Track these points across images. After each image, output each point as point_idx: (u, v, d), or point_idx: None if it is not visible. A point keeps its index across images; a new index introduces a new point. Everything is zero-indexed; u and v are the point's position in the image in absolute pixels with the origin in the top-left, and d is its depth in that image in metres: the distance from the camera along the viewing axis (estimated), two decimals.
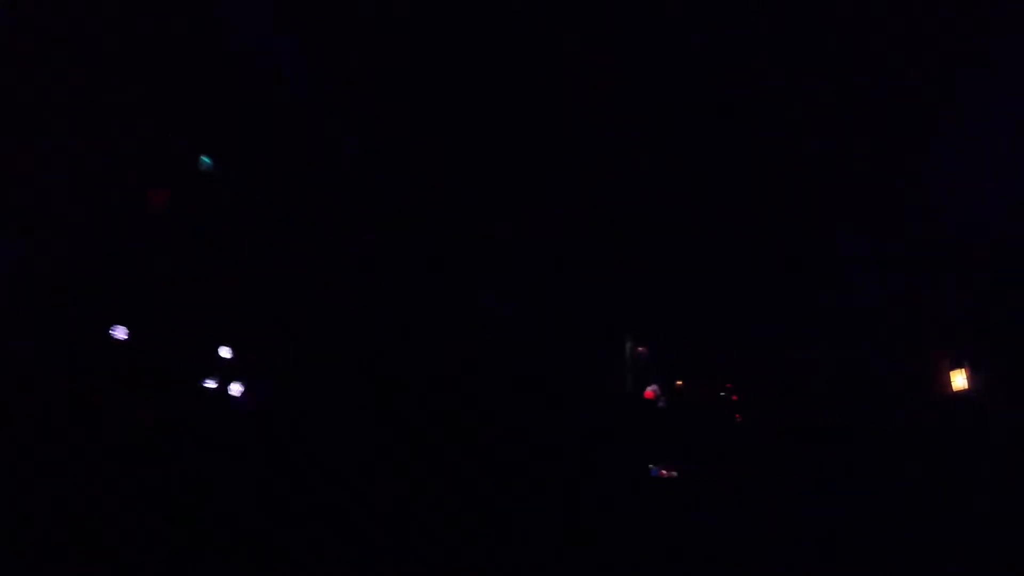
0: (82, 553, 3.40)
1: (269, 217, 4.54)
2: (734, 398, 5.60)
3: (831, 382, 5.32)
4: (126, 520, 3.56)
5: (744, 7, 4.44)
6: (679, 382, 5.69)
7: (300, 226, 4.62)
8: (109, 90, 4.16)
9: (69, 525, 3.44)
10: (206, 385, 4.21)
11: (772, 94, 4.70)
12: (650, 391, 5.58)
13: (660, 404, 5.58)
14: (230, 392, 4.27)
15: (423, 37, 4.53)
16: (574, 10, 4.54)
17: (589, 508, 4.34)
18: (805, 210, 5.17)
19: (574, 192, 5.16)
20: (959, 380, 5.13)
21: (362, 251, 4.82)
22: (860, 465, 4.81)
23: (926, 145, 4.75)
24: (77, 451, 3.62)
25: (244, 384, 4.29)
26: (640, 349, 5.66)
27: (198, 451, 3.88)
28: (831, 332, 5.39)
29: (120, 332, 3.98)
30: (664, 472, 5.13)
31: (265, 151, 4.54)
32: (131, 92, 4.23)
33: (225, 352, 4.30)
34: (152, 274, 4.16)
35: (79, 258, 4.00)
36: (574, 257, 5.26)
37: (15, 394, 3.62)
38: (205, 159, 4.21)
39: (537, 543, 4.08)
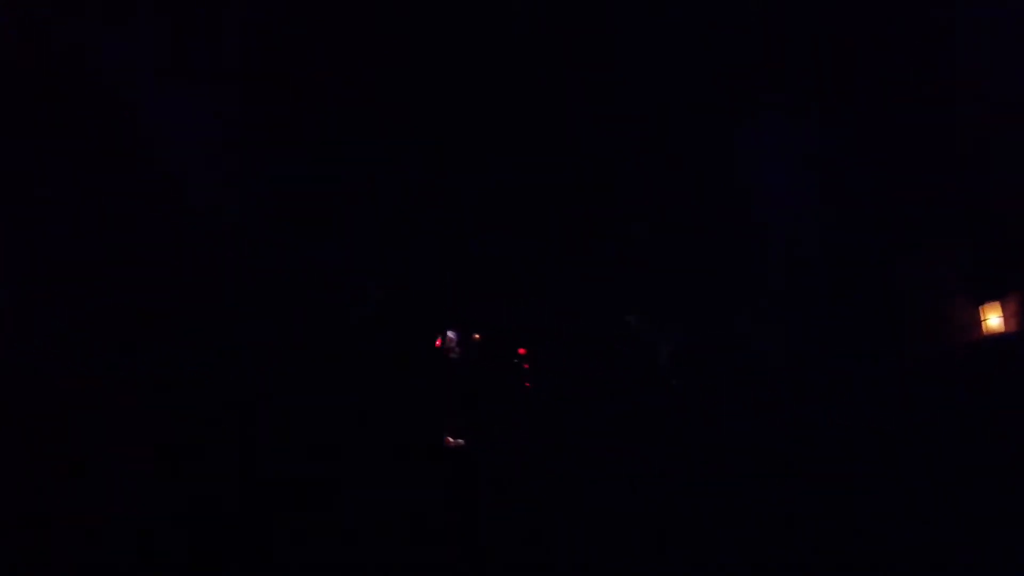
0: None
1: (266, 216, 4.54)
2: (525, 366, 4.98)
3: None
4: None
5: (744, 7, 4.46)
6: (476, 335, 4.94)
7: (299, 225, 4.62)
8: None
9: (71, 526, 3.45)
10: None
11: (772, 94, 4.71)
12: (441, 340, 4.85)
13: (452, 356, 4.83)
14: None
15: (422, 36, 4.54)
16: (574, 10, 4.56)
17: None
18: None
19: (574, 191, 5.15)
20: (993, 320, 3.74)
21: (361, 250, 4.82)
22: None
23: (927, 149, 4.72)
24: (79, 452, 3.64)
25: None
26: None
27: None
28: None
29: None
30: (450, 440, 4.59)
31: (263, 150, 4.55)
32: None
33: None
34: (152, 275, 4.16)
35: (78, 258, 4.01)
36: (572, 256, 5.22)
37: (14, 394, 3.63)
38: None
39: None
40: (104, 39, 4.15)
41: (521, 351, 4.99)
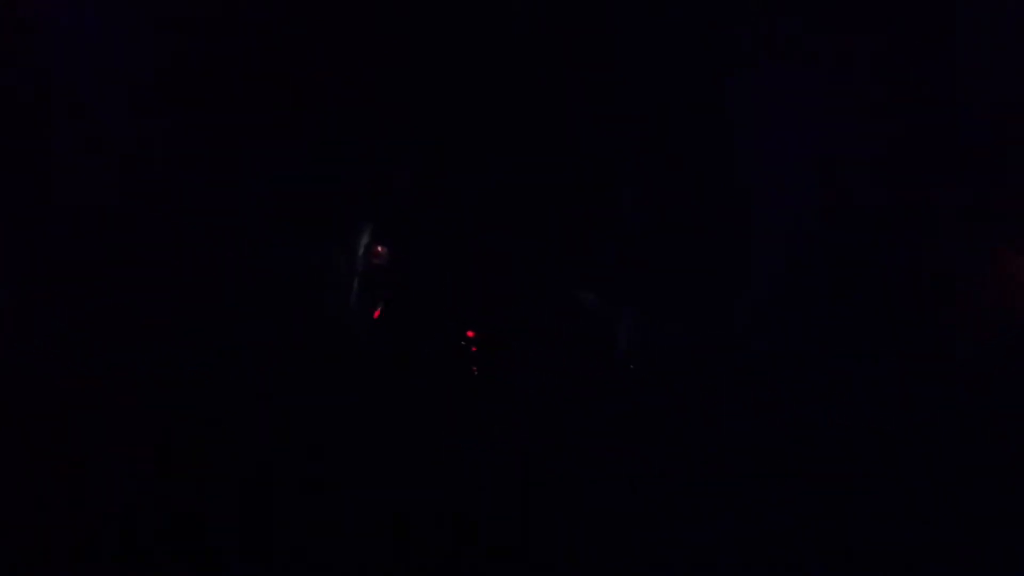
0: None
1: (266, 216, 4.54)
2: (473, 349, 4.85)
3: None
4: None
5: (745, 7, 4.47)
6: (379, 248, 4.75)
7: (299, 225, 4.62)
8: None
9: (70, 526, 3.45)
10: None
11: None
12: (380, 311, 4.68)
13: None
14: None
15: (422, 36, 4.54)
16: (574, 10, 4.56)
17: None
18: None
19: (576, 193, 5.15)
20: None
21: (361, 250, 4.82)
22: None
23: (927, 149, 4.71)
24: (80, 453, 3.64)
25: None
26: (380, 249, 4.54)
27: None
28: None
29: None
30: None
31: (263, 150, 4.55)
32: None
33: None
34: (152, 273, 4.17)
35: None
36: (571, 255, 5.21)
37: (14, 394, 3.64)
38: None
39: None
40: (103, 36, 4.15)
41: (470, 334, 4.84)
